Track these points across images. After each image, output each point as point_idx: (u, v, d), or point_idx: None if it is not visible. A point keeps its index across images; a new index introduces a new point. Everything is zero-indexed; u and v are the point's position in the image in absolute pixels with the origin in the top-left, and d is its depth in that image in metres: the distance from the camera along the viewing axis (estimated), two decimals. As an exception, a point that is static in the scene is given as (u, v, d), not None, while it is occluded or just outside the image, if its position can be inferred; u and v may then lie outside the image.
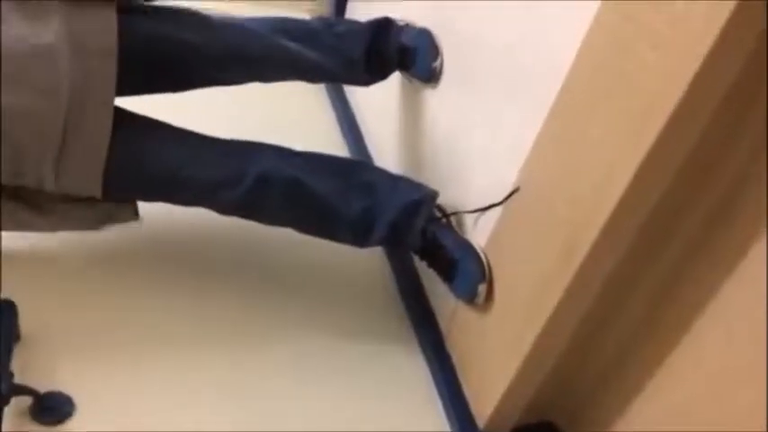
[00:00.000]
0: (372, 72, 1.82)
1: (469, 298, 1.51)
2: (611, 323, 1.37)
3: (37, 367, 1.35)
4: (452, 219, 1.61)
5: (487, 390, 1.48)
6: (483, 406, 1.50)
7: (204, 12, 1.57)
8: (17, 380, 1.27)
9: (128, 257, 1.62)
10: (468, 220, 1.58)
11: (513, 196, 1.41)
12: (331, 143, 2.24)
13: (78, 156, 1.35)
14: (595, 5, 1.17)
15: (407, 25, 1.82)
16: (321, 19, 1.86)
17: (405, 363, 1.66)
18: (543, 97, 1.30)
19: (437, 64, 1.74)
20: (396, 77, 1.89)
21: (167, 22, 1.50)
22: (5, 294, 1.38)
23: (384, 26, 1.80)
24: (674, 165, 1.10)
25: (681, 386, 1.23)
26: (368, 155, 2.18)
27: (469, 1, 1.67)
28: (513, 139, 1.43)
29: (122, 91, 1.38)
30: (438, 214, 1.60)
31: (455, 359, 1.63)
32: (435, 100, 1.80)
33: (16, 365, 1.30)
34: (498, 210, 1.46)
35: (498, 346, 1.46)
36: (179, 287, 1.65)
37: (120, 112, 1.38)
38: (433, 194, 1.60)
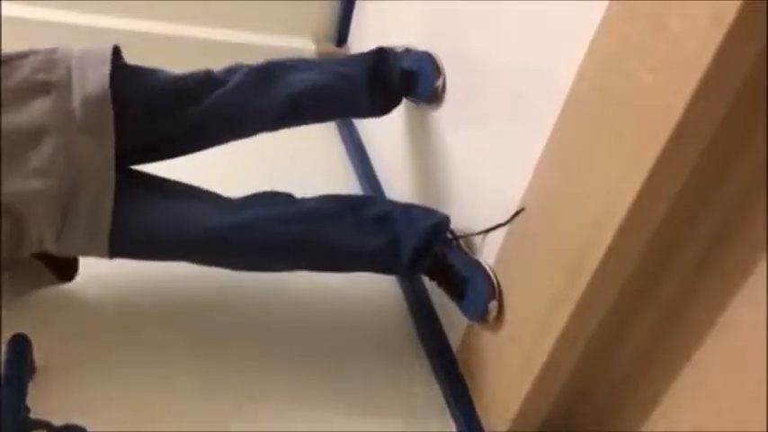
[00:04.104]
0: (379, 101, 1.80)
1: (480, 316, 1.51)
2: (623, 339, 1.37)
3: (51, 400, 1.36)
4: (461, 239, 1.62)
5: (501, 408, 1.48)
6: (497, 425, 1.50)
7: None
8: (32, 414, 1.29)
9: (141, 290, 1.63)
10: (477, 239, 1.59)
11: (519, 216, 1.41)
12: (339, 169, 2.26)
13: (81, 225, 1.35)
14: (593, 27, 1.18)
15: (407, 50, 1.82)
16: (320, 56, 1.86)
17: (416, 382, 1.66)
18: (545, 118, 1.31)
19: (439, 83, 1.75)
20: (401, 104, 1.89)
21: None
22: (20, 329, 1.39)
23: (382, 54, 1.79)
24: (677, 184, 1.11)
25: (694, 400, 1.23)
26: (376, 179, 2.20)
27: (470, 27, 1.69)
28: (518, 160, 1.44)
29: (129, 160, 1.41)
30: (449, 236, 1.61)
31: (467, 379, 1.63)
32: (440, 124, 1.81)
33: (30, 398, 1.31)
34: (505, 229, 1.47)
35: (510, 365, 1.46)
36: (191, 319, 1.66)
37: (127, 173, 1.39)
38: (447, 218, 1.61)
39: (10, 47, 2.07)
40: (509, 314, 1.46)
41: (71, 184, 1.32)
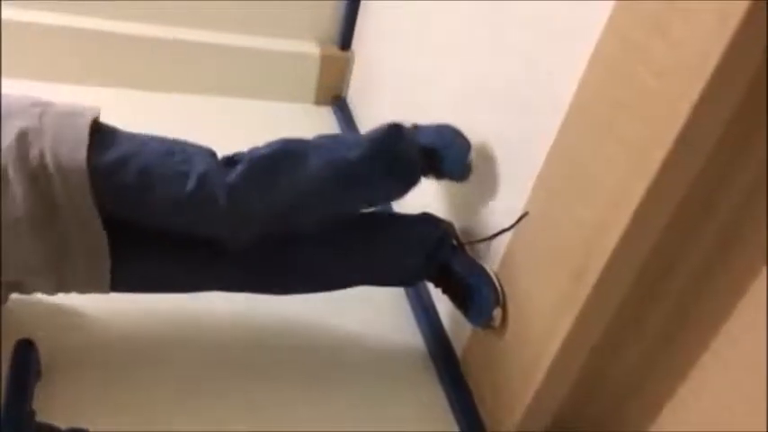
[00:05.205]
0: (399, 186, 1.58)
1: (484, 323, 1.52)
2: (628, 343, 1.37)
3: (57, 404, 1.36)
4: (466, 245, 1.62)
5: (505, 413, 1.48)
6: (501, 429, 1.50)
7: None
8: (38, 417, 1.29)
9: (150, 295, 1.63)
10: (482, 243, 1.59)
11: (524, 220, 1.42)
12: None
13: (79, 284, 1.37)
14: (597, 32, 1.18)
15: (418, 126, 1.64)
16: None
17: (420, 387, 1.66)
18: (549, 122, 1.31)
19: (471, 158, 1.60)
20: (399, 104, 1.89)
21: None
22: (25, 333, 1.40)
23: (398, 132, 1.56)
24: (682, 188, 1.11)
25: (699, 403, 1.23)
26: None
27: (473, 31, 1.69)
28: (522, 164, 1.44)
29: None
30: (453, 242, 1.62)
31: (471, 383, 1.63)
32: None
33: (36, 402, 1.32)
34: (510, 233, 1.47)
35: (514, 370, 1.46)
36: (198, 326, 1.66)
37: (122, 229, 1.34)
38: (450, 227, 1.62)
39: (10, 50, 2.10)
40: (514, 318, 1.46)
41: (64, 261, 1.31)
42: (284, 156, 1.43)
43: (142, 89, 2.42)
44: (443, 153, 1.58)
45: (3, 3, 2.14)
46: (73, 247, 1.30)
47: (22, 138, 1.25)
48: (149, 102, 2.39)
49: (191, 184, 1.32)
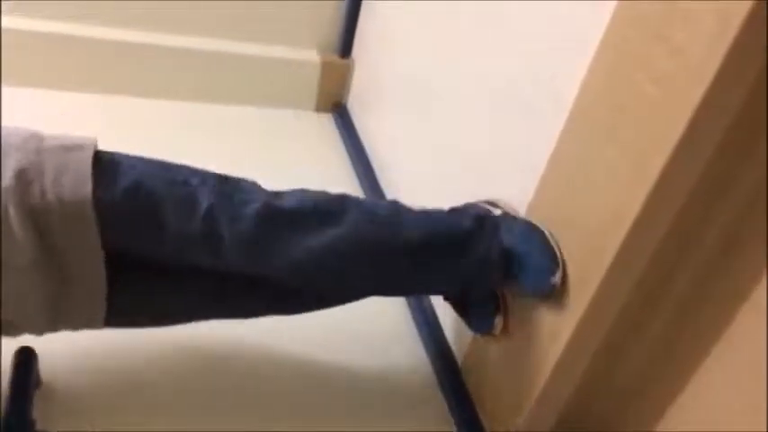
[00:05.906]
0: (450, 279, 1.41)
1: (486, 331, 1.51)
2: (630, 347, 1.36)
3: (57, 412, 1.36)
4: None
5: (507, 418, 1.48)
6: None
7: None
8: (38, 427, 1.29)
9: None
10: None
11: (525, 226, 1.41)
12: (341, 178, 2.27)
13: (74, 325, 1.33)
14: (597, 38, 1.18)
15: (508, 218, 1.41)
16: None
17: (420, 394, 1.66)
18: (550, 129, 1.32)
19: (557, 279, 1.28)
20: (400, 110, 1.88)
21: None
22: (25, 341, 1.39)
23: (482, 223, 1.39)
24: (683, 195, 1.11)
25: (700, 407, 1.23)
26: (380, 190, 2.20)
27: (475, 37, 1.69)
28: (523, 171, 1.44)
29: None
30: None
31: (472, 389, 1.62)
32: (447, 138, 1.80)
33: (36, 411, 1.31)
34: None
35: (516, 375, 1.46)
36: (199, 333, 1.64)
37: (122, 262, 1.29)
38: None
39: (11, 58, 2.10)
40: (516, 324, 1.46)
41: (61, 300, 1.28)
42: (310, 213, 1.32)
43: (142, 97, 2.43)
44: (526, 263, 1.33)
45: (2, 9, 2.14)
46: (71, 285, 1.27)
47: (22, 176, 1.19)
48: (149, 110, 2.39)
49: (196, 221, 1.24)
